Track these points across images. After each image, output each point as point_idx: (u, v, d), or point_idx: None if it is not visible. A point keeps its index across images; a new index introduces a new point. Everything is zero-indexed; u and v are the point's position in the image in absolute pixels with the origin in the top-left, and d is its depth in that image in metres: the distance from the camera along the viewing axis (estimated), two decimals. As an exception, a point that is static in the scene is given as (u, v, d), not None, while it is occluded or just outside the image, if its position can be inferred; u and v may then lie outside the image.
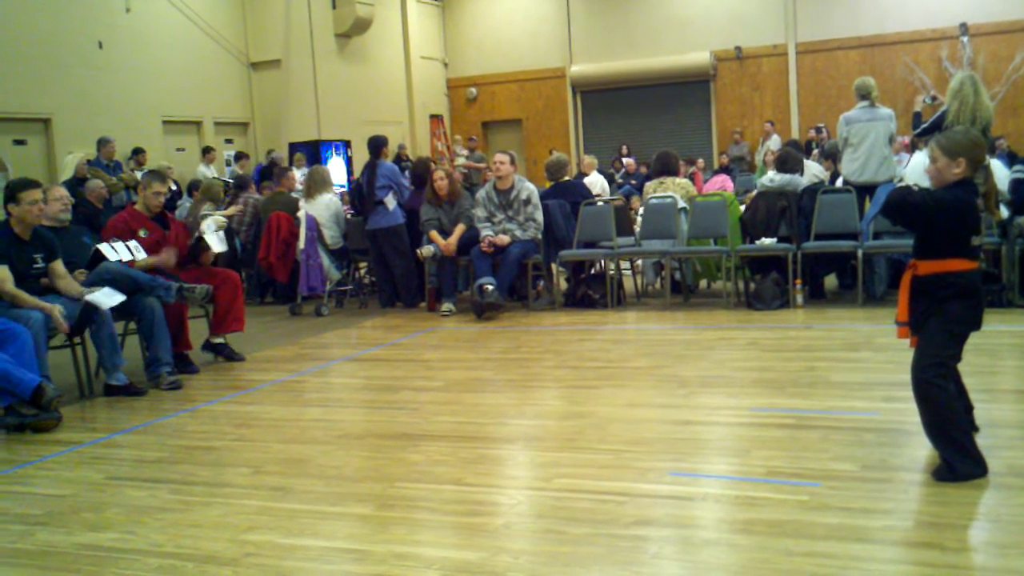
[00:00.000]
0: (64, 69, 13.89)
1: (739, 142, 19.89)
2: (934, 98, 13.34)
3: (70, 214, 6.86)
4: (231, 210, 11.06)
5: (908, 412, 4.23)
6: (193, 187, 12.87)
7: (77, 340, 6.36)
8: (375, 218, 9.68)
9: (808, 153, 13.95)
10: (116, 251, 6.56)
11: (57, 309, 5.92)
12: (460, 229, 9.09)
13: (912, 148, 11.49)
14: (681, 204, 9.08)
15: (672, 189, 9.28)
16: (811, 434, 4.54)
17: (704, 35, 20.68)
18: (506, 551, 3.39)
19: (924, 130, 8.84)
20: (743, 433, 4.74)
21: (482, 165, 19.53)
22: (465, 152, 20.17)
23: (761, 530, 3.41)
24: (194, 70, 16.46)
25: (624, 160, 19.11)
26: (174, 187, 12.61)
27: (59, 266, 6.30)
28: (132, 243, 6.69)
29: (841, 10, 19.75)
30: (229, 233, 10.33)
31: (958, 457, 3.75)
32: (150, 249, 6.87)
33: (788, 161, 8.97)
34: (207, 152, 15.63)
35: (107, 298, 6.16)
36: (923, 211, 3.83)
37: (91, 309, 6.12)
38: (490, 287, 8.54)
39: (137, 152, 13.99)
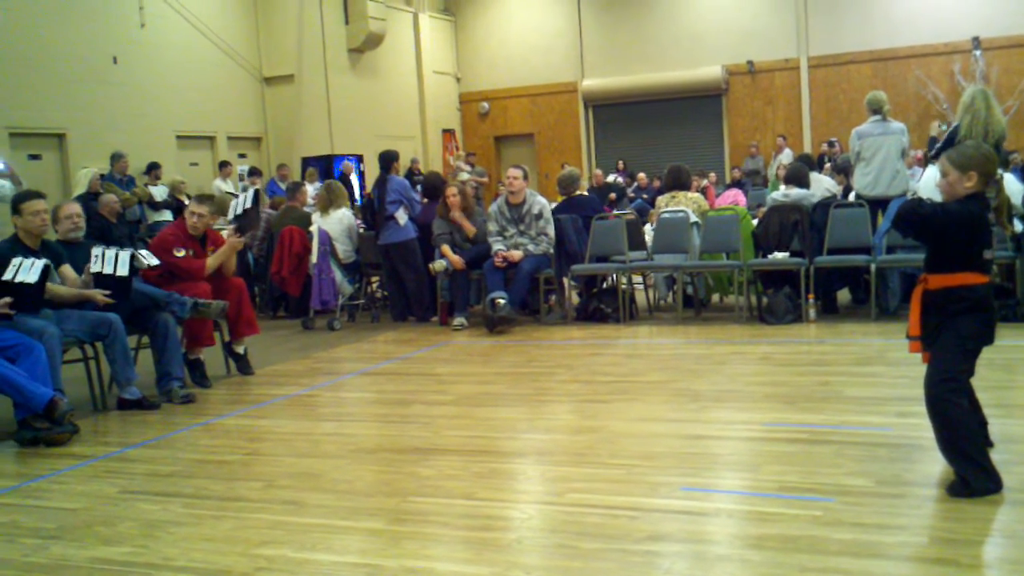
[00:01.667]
0: (79, 84, 14.00)
1: (754, 155, 19.85)
2: (950, 124, 13.30)
3: (82, 232, 6.83)
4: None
5: (922, 427, 4.20)
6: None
7: (91, 354, 6.40)
8: (387, 233, 9.70)
9: (820, 167, 13.93)
10: None
11: (100, 293, 6.09)
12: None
13: (926, 162, 11.47)
14: (693, 218, 9.08)
15: (684, 203, 9.28)
16: (824, 449, 4.53)
17: (716, 49, 20.70)
18: (518, 566, 3.39)
19: (938, 150, 8.81)
20: (756, 448, 4.73)
21: (484, 180, 19.56)
22: (467, 168, 20.20)
23: (774, 546, 3.39)
24: (208, 85, 16.57)
25: (620, 175, 19.12)
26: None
27: (68, 270, 6.34)
28: (143, 251, 6.71)
29: (853, 24, 19.75)
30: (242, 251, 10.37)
31: (973, 472, 3.73)
32: (182, 264, 6.99)
33: (800, 175, 8.97)
34: (224, 166, 15.67)
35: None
36: (933, 223, 3.82)
37: (104, 278, 6.20)
38: (502, 301, 8.54)
39: (153, 167, 14.05)
